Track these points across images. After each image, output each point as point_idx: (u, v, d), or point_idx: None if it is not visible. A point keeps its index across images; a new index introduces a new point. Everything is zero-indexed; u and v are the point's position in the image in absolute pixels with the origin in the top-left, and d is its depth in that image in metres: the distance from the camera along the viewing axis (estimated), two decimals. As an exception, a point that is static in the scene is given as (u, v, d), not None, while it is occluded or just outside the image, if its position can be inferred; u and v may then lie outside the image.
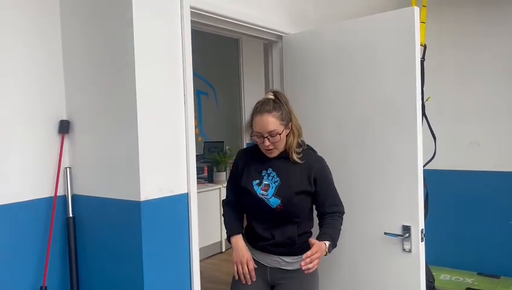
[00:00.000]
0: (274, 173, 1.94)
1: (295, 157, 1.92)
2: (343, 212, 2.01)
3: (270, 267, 1.99)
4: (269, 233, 1.95)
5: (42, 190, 2.03)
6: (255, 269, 1.97)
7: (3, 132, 1.90)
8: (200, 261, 2.11)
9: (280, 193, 1.90)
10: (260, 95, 2.07)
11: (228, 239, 2.03)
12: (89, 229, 2.09)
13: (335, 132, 2.40)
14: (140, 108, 1.84)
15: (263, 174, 1.96)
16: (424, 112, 2.60)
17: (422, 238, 2.12)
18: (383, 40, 2.19)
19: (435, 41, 3.31)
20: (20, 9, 1.96)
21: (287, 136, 1.92)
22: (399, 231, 2.17)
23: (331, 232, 1.88)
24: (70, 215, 2.09)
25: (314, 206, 2.02)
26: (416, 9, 2.09)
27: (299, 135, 1.96)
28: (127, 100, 1.87)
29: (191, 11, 2.09)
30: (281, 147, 1.92)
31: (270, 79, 2.84)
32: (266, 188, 1.93)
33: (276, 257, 1.97)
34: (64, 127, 2.09)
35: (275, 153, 1.93)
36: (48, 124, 2.06)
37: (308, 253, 1.73)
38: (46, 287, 2.00)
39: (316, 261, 1.74)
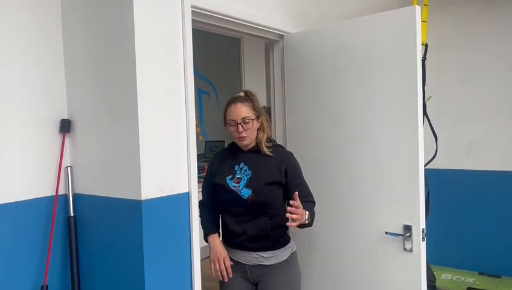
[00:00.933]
0: (246, 166, 2.02)
1: (266, 150, 2.01)
2: (315, 203, 2.03)
3: (249, 265, 2.02)
4: (242, 227, 1.99)
5: (43, 189, 2.04)
6: (235, 267, 2.02)
7: (4, 131, 1.90)
8: (201, 260, 2.11)
9: (251, 184, 1.97)
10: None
11: (205, 239, 2.09)
12: (90, 228, 2.09)
13: (336, 131, 2.40)
14: (141, 107, 1.84)
15: (235, 169, 2.04)
16: (425, 112, 2.60)
17: (423, 238, 2.12)
18: (384, 39, 2.19)
19: (436, 40, 3.31)
20: (22, 8, 1.96)
21: (258, 129, 2.03)
22: (400, 231, 2.16)
23: (306, 208, 1.90)
24: (71, 214, 2.09)
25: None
26: (418, 8, 2.09)
27: (269, 130, 2.08)
28: (128, 99, 1.87)
29: (192, 10, 2.08)
30: (253, 136, 2.02)
31: (271, 78, 2.84)
32: (238, 181, 2.00)
33: (253, 253, 2.00)
34: (66, 126, 2.09)
35: (247, 141, 2.01)
36: (49, 123, 2.06)
37: (293, 202, 1.80)
38: (47, 286, 2.00)
39: (299, 214, 1.80)
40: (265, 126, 2.06)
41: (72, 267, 2.08)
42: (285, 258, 2.03)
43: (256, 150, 2.04)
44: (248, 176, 2.00)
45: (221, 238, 2.10)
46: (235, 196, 1.99)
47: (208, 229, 2.09)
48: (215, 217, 2.12)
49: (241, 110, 1.97)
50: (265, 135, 2.05)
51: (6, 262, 1.91)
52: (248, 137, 2.00)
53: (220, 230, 2.11)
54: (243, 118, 1.97)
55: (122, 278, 1.96)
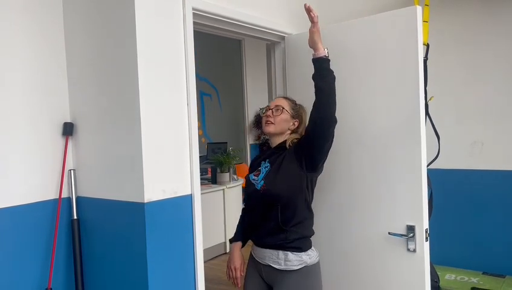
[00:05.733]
0: (268, 163, 2.05)
1: (288, 145, 2.04)
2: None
3: (262, 264, 2.02)
4: (256, 220, 2.04)
5: (47, 192, 2.04)
6: (255, 265, 2.07)
7: (8, 134, 1.91)
8: (204, 262, 2.12)
9: (267, 176, 2.01)
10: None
11: (230, 242, 2.20)
12: (93, 230, 2.09)
13: (338, 131, 2.39)
14: (143, 110, 1.85)
15: (261, 165, 2.07)
16: (428, 112, 2.59)
17: (426, 238, 2.12)
18: (385, 39, 2.19)
19: (437, 40, 3.30)
20: (24, 12, 1.97)
21: (290, 129, 2.07)
22: (403, 231, 2.16)
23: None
24: (75, 217, 2.10)
25: (309, 200, 2.01)
26: (419, 8, 2.09)
27: (300, 134, 2.08)
28: (130, 102, 1.87)
29: (194, 13, 2.09)
30: (279, 128, 2.05)
31: (273, 79, 2.84)
32: (257, 174, 2.06)
33: (267, 251, 2.00)
34: (68, 130, 2.10)
35: (271, 128, 2.04)
36: (51, 127, 2.07)
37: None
38: (51, 288, 2.00)
39: (315, 15, 1.98)
40: (299, 131, 2.08)
41: (76, 270, 2.08)
42: (294, 268, 1.94)
43: (282, 147, 2.05)
44: (267, 169, 2.03)
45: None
46: (252, 188, 2.03)
47: (234, 235, 2.18)
48: (245, 226, 2.16)
49: (278, 100, 2.10)
50: (294, 136, 2.06)
51: (10, 265, 1.91)
52: (273, 125, 2.03)
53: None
54: (276, 105, 2.06)
55: (126, 281, 1.96)
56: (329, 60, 1.95)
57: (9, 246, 1.91)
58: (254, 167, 2.13)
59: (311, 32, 1.99)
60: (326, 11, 2.94)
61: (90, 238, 2.10)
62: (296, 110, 2.09)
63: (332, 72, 1.94)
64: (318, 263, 2.03)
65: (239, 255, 2.12)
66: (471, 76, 3.67)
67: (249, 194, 2.08)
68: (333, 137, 1.96)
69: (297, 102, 2.15)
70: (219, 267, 4.83)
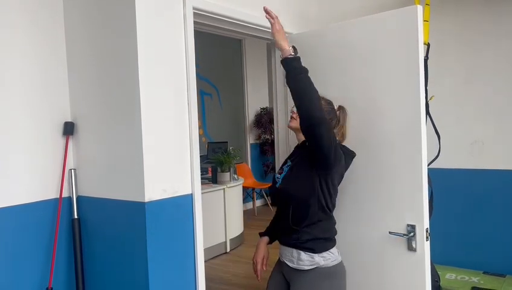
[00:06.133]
0: (290, 162, 2.05)
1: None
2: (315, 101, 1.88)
3: (282, 261, 2.05)
4: (278, 217, 2.09)
5: (47, 191, 2.05)
6: (278, 262, 2.10)
7: (8, 134, 1.91)
8: (205, 261, 2.12)
9: (286, 174, 2.01)
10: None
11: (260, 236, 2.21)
12: (94, 230, 2.10)
13: (339, 131, 2.40)
14: (144, 109, 1.85)
15: (285, 165, 2.07)
16: (428, 111, 2.59)
17: (427, 237, 2.12)
18: (386, 39, 2.19)
19: (438, 40, 3.30)
20: (24, 11, 1.97)
21: None
22: (404, 230, 2.16)
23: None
24: (76, 216, 2.10)
25: (326, 205, 1.95)
26: (420, 7, 2.09)
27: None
28: (130, 101, 1.87)
29: (194, 12, 2.09)
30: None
31: (273, 79, 2.84)
32: (281, 172, 2.06)
33: (285, 248, 2.02)
34: (69, 129, 2.10)
35: (293, 124, 2.00)
36: (52, 126, 2.07)
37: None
38: (52, 288, 2.01)
39: (273, 18, 1.90)
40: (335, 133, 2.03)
41: (77, 269, 2.08)
42: (306, 268, 1.92)
43: (304, 145, 1.99)
44: (288, 168, 2.02)
45: None
46: (274, 186, 2.05)
47: (265, 230, 2.19)
48: (274, 222, 2.18)
49: None
50: None
51: (11, 265, 1.92)
52: (295, 120, 1.98)
53: None
54: None
55: (127, 280, 1.96)
56: (298, 58, 1.83)
57: (10, 246, 1.91)
58: (281, 165, 2.13)
59: (273, 33, 1.91)
60: (326, 10, 2.94)
61: (91, 238, 2.10)
62: (326, 110, 1.98)
63: (304, 69, 1.82)
64: (336, 267, 1.96)
65: (262, 249, 2.11)
66: (472, 75, 3.67)
67: (272, 192, 2.12)
68: (330, 134, 1.85)
69: (340, 107, 2.10)
70: (220, 267, 4.84)
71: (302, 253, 1.94)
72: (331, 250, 1.98)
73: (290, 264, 1.98)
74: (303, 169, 1.94)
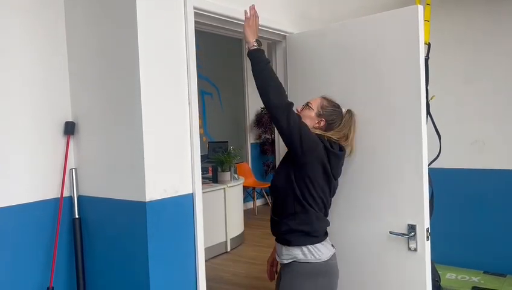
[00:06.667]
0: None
1: None
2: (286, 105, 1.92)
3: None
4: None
5: (48, 191, 2.05)
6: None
7: (9, 134, 1.91)
8: (205, 261, 2.12)
9: (277, 167, 2.18)
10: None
11: None
12: (95, 230, 2.10)
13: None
14: (145, 109, 1.85)
15: None
16: (429, 111, 2.59)
17: (427, 237, 2.12)
18: (386, 39, 2.19)
19: (438, 39, 3.30)
20: (25, 10, 1.97)
21: (316, 128, 2.04)
22: (404, 230, 2.16)
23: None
24: (76, 216, 2.10)
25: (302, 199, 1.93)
26: (420, 7, 2.09)
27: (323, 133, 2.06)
28: (131, 101, 1.87)
29: (195, 12, 2.09)
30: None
31: (274, 79, 2.83)
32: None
33: (276, 243, 2.08)
34: (70, 129, 2.10)
35: None
36: (53, 126, 2.07)
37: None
38: (52, 288, 2.01)
39: (252, 15, 2.03)
40: (322, 128, 2.05)
41: (78, 269, 2.09)
42: (284, 261, 1.99)
43: None
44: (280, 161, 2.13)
45: None
46: None
47: None
48: None
49: (315, 98, 2.13)
50: (316, 131, 2.02)
51: (12, 264, 1.92)
52: None
53: None
54: (308, 102, 2.11)
55: (128, 280, 1.97)
56: (260, 50, 1.98)
57: (10, 245, 1.92)
58: None
59: (244, 26, 2.04)
60: (327, 10, 2.94)
61: (92, 237, 2.11)
62: (327, 111, 2.07)
63: (265, 60, 1.94)
64: (322, 265, 1.92)
65: (275, 251, 2.16)
66: (473, 75, 3.67)
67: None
68: (289, 118, 1.85)
69: (348, 110, 2.14)
70: (220, 266, 4.84)
71: (282, 246, 2.01)
72: (316, 246, 1.93)
73: (277, 259, 2.07)
74: (284, 160, 2.05)
